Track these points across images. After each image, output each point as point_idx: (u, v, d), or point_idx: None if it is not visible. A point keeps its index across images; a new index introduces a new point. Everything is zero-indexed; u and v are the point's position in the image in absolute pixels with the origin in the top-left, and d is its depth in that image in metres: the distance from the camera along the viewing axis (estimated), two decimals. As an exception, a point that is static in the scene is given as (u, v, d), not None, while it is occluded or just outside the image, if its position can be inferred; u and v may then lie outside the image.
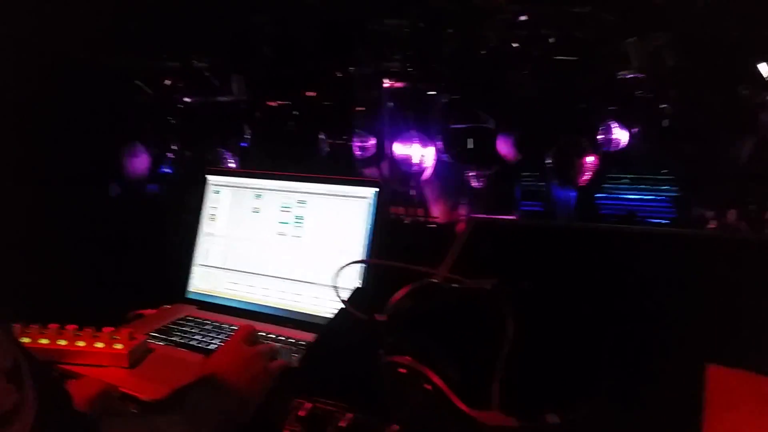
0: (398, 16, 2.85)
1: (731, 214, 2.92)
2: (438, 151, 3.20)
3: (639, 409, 0.63)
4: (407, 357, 0.67)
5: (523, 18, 2.67)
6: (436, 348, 0.68)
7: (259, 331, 1.18)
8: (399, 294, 0.76)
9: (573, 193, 3.31)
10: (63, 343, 1.10)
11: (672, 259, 0.88)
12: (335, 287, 0.83)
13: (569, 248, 1.02)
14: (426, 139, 3.14)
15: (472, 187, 3.38)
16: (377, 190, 1.21)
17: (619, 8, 2.75)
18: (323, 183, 1.26)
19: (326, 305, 1.21)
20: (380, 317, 0.76)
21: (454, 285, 0.79)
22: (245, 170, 1.37)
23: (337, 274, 0.86)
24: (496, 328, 0.72)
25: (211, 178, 1.38)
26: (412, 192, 3.23)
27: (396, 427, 0.66)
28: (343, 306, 0.90)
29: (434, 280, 0.81)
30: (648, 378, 0.66)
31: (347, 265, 0.92)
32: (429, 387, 0.65)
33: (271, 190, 1.31)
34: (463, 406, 0.63)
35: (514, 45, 2.68)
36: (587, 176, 2.81)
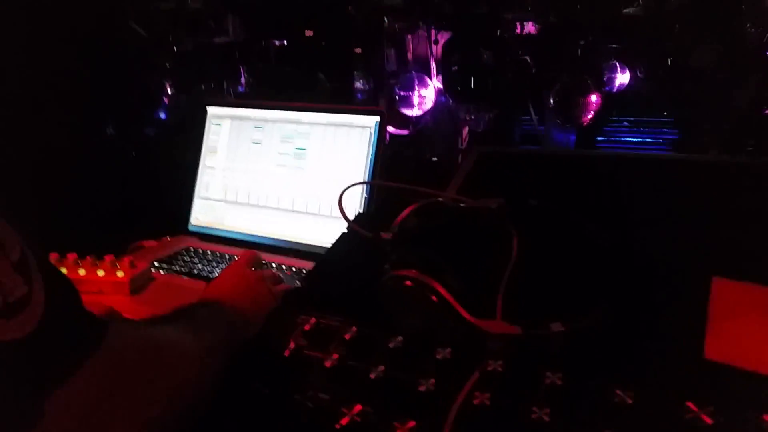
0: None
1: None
2: (438, 92, 3.15)
3: (643, 319, 0.64)
4: (413, 270, 0.67)
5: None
6: (441, 262, 0.67)
7: (263, 261, 1.19)
8: (405, 212, 0.76)
9: (572, 136, 3.29)
10: (63, 271, 1.10)
11: (677, 181, 0.88)
12: (340, 207, 0.83)
13: (573, 173, 1.02)
14: (426, 79, 3.10)
15: (471, 130, 3.35)
16: (379, 118, 1.20)
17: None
18: (324, 112, 1.24)
19: (329, 235, 1.20)
20: (386, 235, 0.76)
21: (460, 204, 0.78)
22: (245, 101, 1.35)
23: (340, 195, 0.85)
24: (501, 244, 0.72)
25: (211, 110, 1.36)
26: (412, 133, 3.20)
27: (400, 338, 0.67)
28: (347, 230, 0.90)
29: (440, 200, 0.81)
30: (653, 288, 0.66)
31: (352, 185, 0.92)
32: (434, 298, 0.66)
33: (271, 121, 1.30)
34: (468, 316, 0.64)
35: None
36: (590, 116, 2.78)
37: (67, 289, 0.51)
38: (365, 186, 1.17)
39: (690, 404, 0.52)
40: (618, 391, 0.54)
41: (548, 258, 0.72)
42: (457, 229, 0.76)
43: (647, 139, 4.08)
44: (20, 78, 1.61)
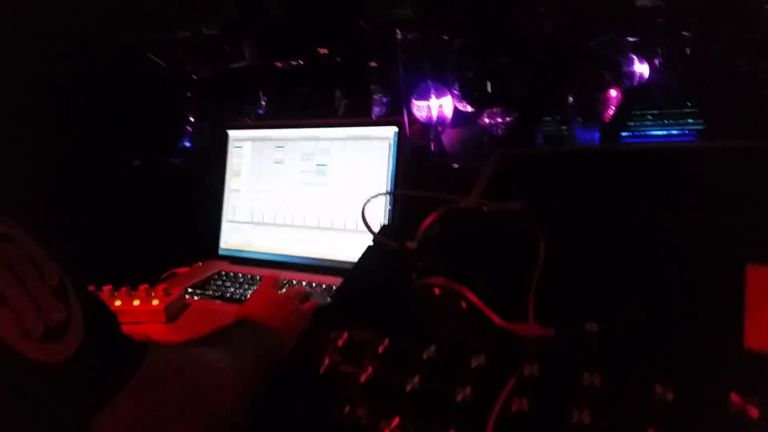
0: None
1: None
2: (455, 99, 3.15)
3: (679, 313, 0.62)
4: (440, 278, 0.67)
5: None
6: (469, 268, 0.67)
7: (292, 280, 1.20)
8: (428, 220, 0.76)
9: (596, 134, 3.25)
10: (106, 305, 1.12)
11: (704, 169, 0.86)
12: (363, 218, 0.83)
13: (597, 169, 1.00)
14: (442, 88, 3.10)
15: (493, 135, 3.33)
16: (397, 129, 1.20)
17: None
18: (343, 127, 1.25)
19: (355, 250, 1.21)
20: (410, 244, 0.76)
21: (484, 208, 0.78)
22: (264, 122, 1.37)
23: (364, 207, 0.85)
24: (528, 246, 0.72)
25: (232, 133, 1.38)
26: (432, 144, 3.20)
27: (433, 347, 0.67)
28: (373, 241, 0.90)
29: (462, 205, 0.80)
30: (687, 282, 0.65)
31: (373, 197, 0.92)
32: (464, 305, 0.65)
33: (291, 139, 1.31)
34: (499, 321, 0.63)
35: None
36: (611, 111, 2.74)
37: (106, 314, 0.53)
38: (388, 197, 1.17)
39: (734, 396, 0.50)
40: (659, 388, 0.53)
41: (577, 257, 0.71)
42: (481, 233, 0.76)
43: (672, 131, 4.02)
44: (53, 118, 1.66)
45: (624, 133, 3.84)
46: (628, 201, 0.82)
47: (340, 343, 0.72)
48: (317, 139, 1.28)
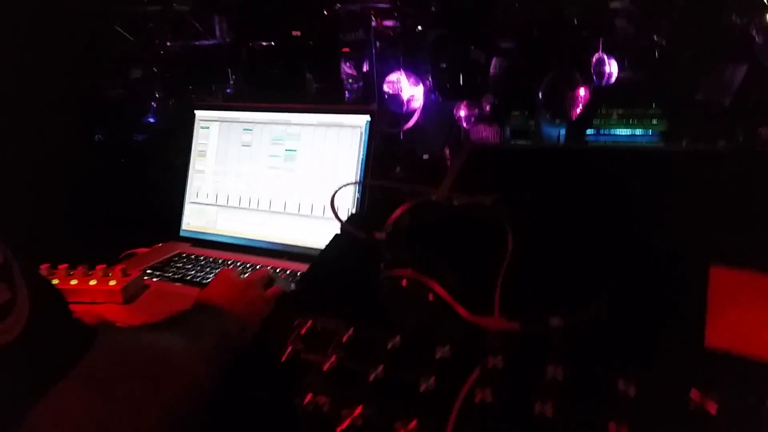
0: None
1: (720, 145, 2.92)
2: (427, 89, 3.15)
3: (643, 309, 0.63)
4: (408, 270, 0.67)
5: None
6: (436, 260, 0.67)
7: (255, 265, 1.18)
8: (398, 211, 0.75)
9: (562, 130, 3.29)
10: (55, 282, 1.09)
11: (670, 171, 0.87)
12: (332, 207, 0.82)
13: (565, 167, 1.01)
14: (415, 77, 3.09)
15: (462, 128, 3.34)
16: (369, 117, 1.19)
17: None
18: (314, 113, 1.23)
19: (321, 237, 1.20)
20: (379, 235, 0.75)
21: (454, 202, 0.78)
22: (234, 104, 1.34)
23: (333, 196, 0.84)
24: (496, 240, 0.72)
25: (199, 114, 1.35)
26: (402, 131, 3.19)
27: (398, 338, 0.66)
28: (341, 229, 0.89)
29: (432, 198, 0.80)
30: (652, 279, 0.66)
31: (343, 186, 0.91)
32: (431, 297, 0.65)
33: (260, 123, 1.29)
34: (465, 313, 0.63)
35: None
36: (579, 110, 2.78)
37: (54, 295, 0.50)
38: (357, 186, 1.16)
39: (694, 393, 0.51)
40: (621, 382, 0.53)
41: (544, 252, 0.72)
42: (450, 227, 0.76)
43: (636, 131, 4.09)
44: (7, 84, 1.59)
45: (589, 131, 3.91)
46: (595, 199, 0.83)
47: (303, 330, 0.71)
48: (287, 123, 1.26)
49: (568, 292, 0.66)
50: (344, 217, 0.90)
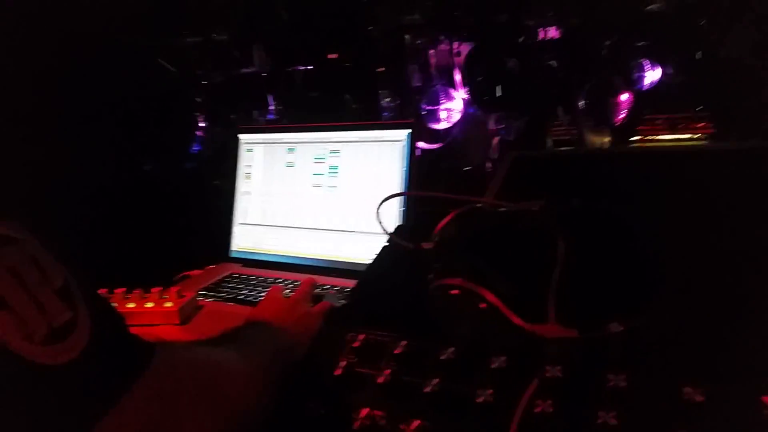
0: (415, -34, 2.79)
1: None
2: (465, 103, 3.14)
3: (707, 314, 0.61)
4: (458, 278, 0.66)
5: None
6: (487, 268, 0.66)
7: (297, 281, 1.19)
8: (445, 220, 0.75)
9: (606, 139, 3.23)
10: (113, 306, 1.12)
11: (729, 175, 0.84)
12: (378, 219, 0.82)
13: (609, 170, 0.99)
14: (451, 92, 3.09)
15: (502, 139, 3.32)
16: (410, 131, 1.19)
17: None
18: (355, 130, 1.25)
19: (367, 251, 1.21)
20: (427, 245, 0.75)
21: (501, 209, 0.77)
22: (276, 125, 1.36)
23: (378, 207, 0.85)
24: (546, 247, 0.71)
25: (243, 137, 1.38)
26: (442, 147, 3.19)
27: (452, 349, 0.65)
28: (387, 243, 0.89)
29: (479, 206, 0.79)
30: (714, 282, 0.64)
31: (389, 197, 0.91)
32: (483, 306, 0.64)
33: (303, 142, 1.31)
34: (520, 321, 0.62)
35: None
36: (622, 115, 2.73)
37: (113, 314, 0.52)
38: (402, 198, 1.16)
39: (765, 399, 0.49)
40: (687, 389, 0.51)
41: (597, 257, 0.70)
42: (499, 234, 0.75)
43: (683, 136, 3.99)
44: (63, 122, 1.66)
45: (634, 138, 3.82)
46: (642, 203, 0.81)
47: (356, 344, 0.71)
48: (329, 141, 1.27)
49: (625, 296, 0.64)
50: (390, 229, 0.90)
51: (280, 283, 1.23)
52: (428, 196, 0.97)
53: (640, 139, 4.00)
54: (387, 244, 0.89)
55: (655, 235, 0.70)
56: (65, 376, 0.44)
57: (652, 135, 4.09)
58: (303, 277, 1.22)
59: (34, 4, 1.65)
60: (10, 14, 1.48)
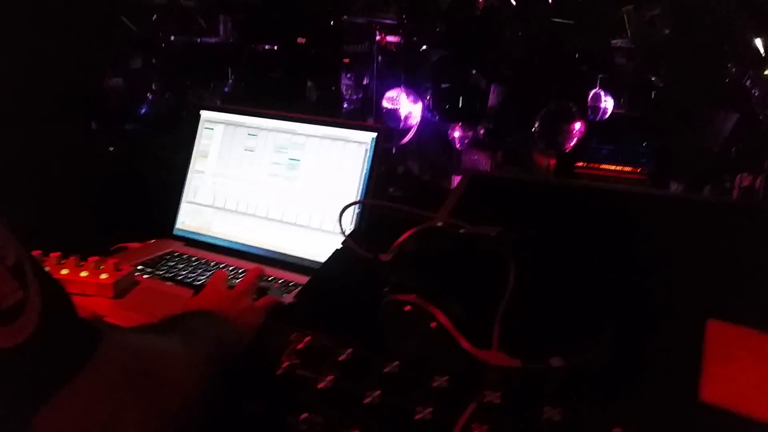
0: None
1: (706, 190, 2.98)
2: (425, 108, 3.17)
3: (641, 358, 0.64)
4: (413, 296, 0.67)
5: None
6: (442, 289, 0.67)
7: (243, 269, 1.18)
8: (405, 235, 0.76)
9: (552, 160, 3.33)
10: (46, 269, 1.07)
11: (676, 220, 0.89)
12: (339, 223, 0.82)
13: (566, 203, 1.03)
14: (414, 95, 3.11)
15: (454, 149, 3.37)
16: (375, 135, 1.20)
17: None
18: (321, 125, 1.24)
19: (317, 248, 1.20)
20: (385, 257, 0.76)
21: (460, 230, 0.78)
22: (241, 107, 1.33)
23: (341, 213, 0.85)
24: (500, 273, 0.73)
25: (205, 114, 1.34)
26: (397, 146, 3.21)
27: (396, 363, 0.66)
28: (342, 246, 0.89)
29: (439, 224, 0.81)
30: (651, 328, 0.67)
31: (352, 204, 0.91)
32: (434, 325, 0.65)
33: (266, 129, 1.29)
34: (467, 345, 0.64)
35: (513, 2, 2.64)
36: (573, 143, 2.82)
37: (63, 295, 0.50)
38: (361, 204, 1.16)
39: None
40: (617, 430, 0.54)
41: (546, 289, 0.73)
42: (456, 255, 0.76)
43: (625, 168, 4.15)
44: (6, 70, 1.58)
45: (578, 164, 3.95)
46: (597, 240, 0.85)
47: (300, 346, 0.71)
48: (293, 132, 1.26)
49: (569, 331, 0.67)
50: (345, 233, 0.90)
51: (223, 268, 1.21)
52: (387, 207, 0.97)
53: (584, 165, 4.14)
54: (342, 247, 0.89)
55: (602, 273, 0.73)
56: (11, 360, 0.43)
57: (595, 163, 4.23)
58: (248, 265, 1.21)
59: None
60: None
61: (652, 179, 3.75)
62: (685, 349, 0.64)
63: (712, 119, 3.24)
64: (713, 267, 0.75)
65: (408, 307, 0.67)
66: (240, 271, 1.19)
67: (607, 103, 3.23)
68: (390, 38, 3.27)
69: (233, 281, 0.97)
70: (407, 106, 3.06)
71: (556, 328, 0.67)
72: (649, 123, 3.64)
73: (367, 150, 1.19)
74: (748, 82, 2.84)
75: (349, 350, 0.69)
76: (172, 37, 3.10)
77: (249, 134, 1.30)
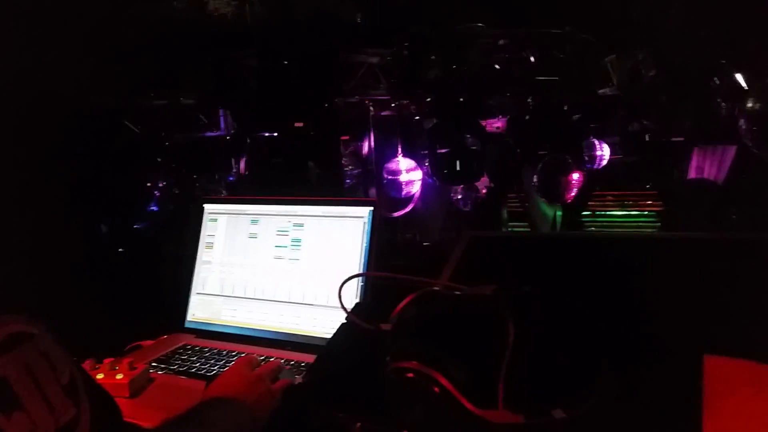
0: (381, 45, 2.92)
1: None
2: (425, 174, 3.24)
3: (642, 402, 0.65)
4: (414, 362, 0.68)
5: (503, 42, 2.75)
6: (441, 352, 0.69)
7: (260, 356, 1.19)
8: (403, 303, 0.78)
9: (558, 211, 3.36)
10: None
11: (665, 260, 0.90)
12: (339, 299, 0.85)
13: (562, 256, 1.04)
14: (413, 163, 3.19)
15: (460, 210, 3.42)
16: (372, 208, 1.23)
17: (597, 27, 2.83)
18: (318, 205, 1.28)
19: (325, 326, 1.22)
20: (385, 326, 0.77)
21: (456, 292, 0.80)
22: (241, 197, 1.39)
23: (340, 288, 0.87)
24: (498, 331, 0.74)
25: (208, 207, 1.39)
26: (399, 216, 3.26)
27: (405, 431, 0.67)
28: (346, 320, 0.91)
29: (436, 289, 0.83)
30: (648, 371, 0.68)
31: (351, 278, 0.94)
32: (437, 390, 0.66)
33: (267, 215, 1.33)
34: (471, 407, 0.64)
35: (496, 67, 2.74)
36: (573, 193, 2.86)
37: (111, 405, 0.53)
38: (363, 277, 1.19)
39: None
40: (624, 478, 0.54)
41: (544, 342, 0.74)
42: (454, 318, 0.78)
43: (632, 212, 4.15)
44: (15, 173, 1.65)
45: (584, 213, 3.96)
46: (591, 288, 0.86)
47: (312, 426, 0.73)
48: (293, 215, 1.30)
49: (570, 383, 0.68)
50: (349, 306, 0.92)
51: (235, 356, 1.22)
52: (387, 277, 0.99)
53: (591, 213, 4.15)
54: (345, 321, 0.91)
55: (597, 322, 0.74)
56: None
57: (602, 210, 4.24)
58: (261, 350, 1.23)
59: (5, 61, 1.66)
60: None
61: (662, 220, 3.75)
62: (685, 387, 0.64)
63: (711, 153, 3.27)
64: (705, 302, 0.76)
65: (410, 374, 0.68)
66: (260, 360, 1.20)
67: (603, 151, 3.27)
68: (384, 113, 3.38)
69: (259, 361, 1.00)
70: (407, 175, 3.13)
71: (556, 379, 0.68)
72: (647, 165, 3.68)
73: (365, 223, 1.23)
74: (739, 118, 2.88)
75: (358, 424, 0.70)
76: (175, 135, 3.22)
77: (251, 221, 1.35)
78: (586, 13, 2.89)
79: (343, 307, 0.85)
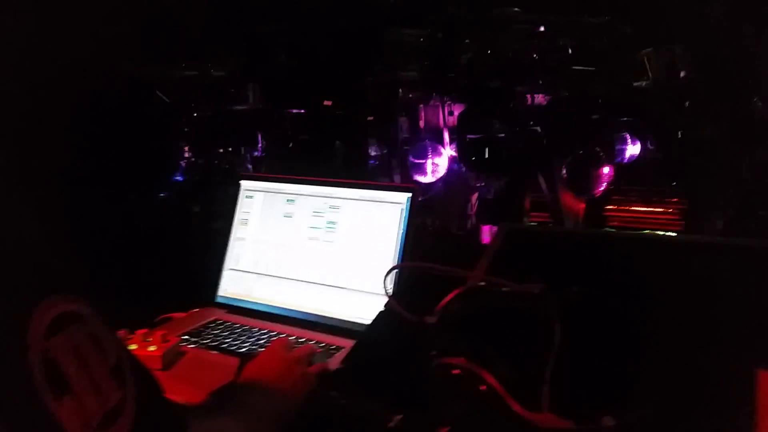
0: (415, 25, 2.88)
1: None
2: (450, 160, 3.21)
3: (693, 413, 0.64)
4: (462, 359, 0.68)
5: (540, 29, 2.70)
6: (489, 350, 0.68)
7: (291, 336, 1.20)
8: (449, 296, 0.77)
9: (582, 205, 3.32)
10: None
11: (721, 269, 0.88)
12: (384, 288, 0.84)
13: (605, 255, 1.03)
14: (439, 148, 3.16)
15: (481, 198, 3.39)
16: (410, 195, 1.22)
17: (636, 19, 2.77)
18: (356, 188, 1.27)
19: (357, 310, 1.22)
20: (430, 319, 0.77)
21: (504, 289, 0.80)
22: (278, 175, 1.38)
23: (386, 276, 0.87)
24: (545, 331, 0.73)
25: (245, 183, 1.39)
26: (423, 199, 3.24)
27: (446, 428, 0.67)
28: (384, 309, 0.91)
29: (482, 284, 0.82)
30: (701, 381, 0.67)
31: (396, 267, 0.93)
32: (483, 388, 0.66)
33: (303, 195, 1.33)
34: (518, 408, 0.64)
35: (534, 56, 2.70)
36: (602, 187, 2.82)
37: (155, 388, 0.53)
38: (397, 261, 1.18)
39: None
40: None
41: (592, 346, 0.73)
42: (501, 316, 0.77)
43: (656, 209, 4.11)
44: (43, 144, 1.65)
45: (608, 207, 3.92)
46: (637, 292, 0.84)
47: (349, 412, 0.73)
48: (330, 197, 1.30)
49: (618, 389, 0.67)
50: (383, 294, 0.92)
51: (265, 334, 1.23)
52: (427, 269, 0.99)
53: (615, 208, 4.11)
54: (385, 309, 0.90)
55: (649, 331, 0.73)
56: None
57: (626, 206, 4.20)
58: (291, 329, 1.23)
59: (32, 29, 1.66)
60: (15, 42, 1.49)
61: (686, 218, 3.70)
62: (737, 401, 0.63)
63: (741, 153, 3.21)
64: (759, 313, 0.74)
65: (457, 371, 0.68)
66: (279, 336, 1.21)
67: (634, 146, 3.23)
68: (412, 94, 3.35)
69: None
70: (433, 159, 3.11)
71: (604, 385, 0.67)
72: (678, 162, 3.62)
73: (402, 210, 1.22)
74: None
75: (398, 417, 0.70)
76: (203, 107, 3.22)
77: (287, 200, 1.34)
78: (626, 3, 2.83)
79: (387, 295, 0.85)
